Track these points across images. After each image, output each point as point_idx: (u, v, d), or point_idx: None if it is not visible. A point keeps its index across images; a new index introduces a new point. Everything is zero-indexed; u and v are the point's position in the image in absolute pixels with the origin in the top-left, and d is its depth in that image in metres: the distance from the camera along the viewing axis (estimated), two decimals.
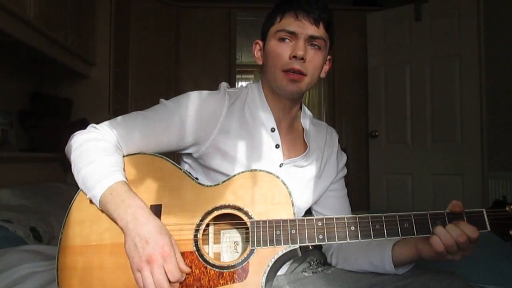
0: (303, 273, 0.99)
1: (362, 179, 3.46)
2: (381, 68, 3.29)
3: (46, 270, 1.00)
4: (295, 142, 1.01)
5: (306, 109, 1.06)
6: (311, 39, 0.91)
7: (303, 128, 1.03)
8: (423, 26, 3.07)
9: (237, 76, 3.78)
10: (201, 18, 3.62)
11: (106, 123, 0.93)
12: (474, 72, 2.83)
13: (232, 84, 3.26)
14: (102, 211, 0.82)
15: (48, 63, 2.40)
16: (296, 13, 0.90)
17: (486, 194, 2.70)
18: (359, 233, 0.78)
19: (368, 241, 0.86)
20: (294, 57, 0.89)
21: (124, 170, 0.85)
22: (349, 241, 0.78)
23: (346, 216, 0.80)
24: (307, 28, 0.90)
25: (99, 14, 2.84)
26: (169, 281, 0.73)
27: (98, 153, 0.84)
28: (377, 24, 3.30)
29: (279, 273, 0.98)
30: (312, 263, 1.04)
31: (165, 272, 0.73)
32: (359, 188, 3.46)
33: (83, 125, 0.95)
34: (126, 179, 0.83)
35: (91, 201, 0.83)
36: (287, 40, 0.91)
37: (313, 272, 0.98)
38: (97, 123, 0.93)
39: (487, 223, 0.78)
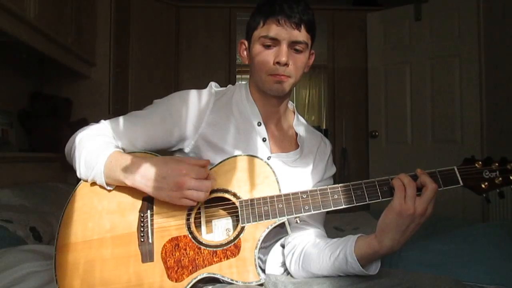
0: None
1: (362, 179, 3.43)
2: (381, 68, 3.29)
3: (46, 270, 1.01)
4: (284, 140, 1.05)
5: (300, 117, 1.11)
6: (293, 43, 0.94)
7: (296, 134, 1.06)
8: (423, 26, 3.07)
9: (237, 76, 3.77)
10: (201, 18, 3.62)
11: (103, 121, 0.98)
12: (474, 72, 2.83)
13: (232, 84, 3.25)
14: (108, 188, 0.88)
15: (48, 63, 2.40)
16: (277, 19, 0.92)
17: (487, 194, 2.69)
18: (342, 200, 0.84)
19: (334, 247, 0.86)
20: (278, 63, 0.93)
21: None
22: (333, 208, 0.83)
23: (329, 186, 0.85)
24: (289, 33, 0.93)
25: (99, 14, 2.84)
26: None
27: (96, 140, 0.91)
28: (377, 24, 3.30)
29: (278, 272, 0.98)
30: None
31: (196, 179, 0.79)
32: None
33: (83, 125, 0.99)
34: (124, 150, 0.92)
35: (92, 184, 0.89)
36: (270, 46, 0.94)
37: None
38: (97, 123, 1.00)
39: (460, 178, 0.84)
